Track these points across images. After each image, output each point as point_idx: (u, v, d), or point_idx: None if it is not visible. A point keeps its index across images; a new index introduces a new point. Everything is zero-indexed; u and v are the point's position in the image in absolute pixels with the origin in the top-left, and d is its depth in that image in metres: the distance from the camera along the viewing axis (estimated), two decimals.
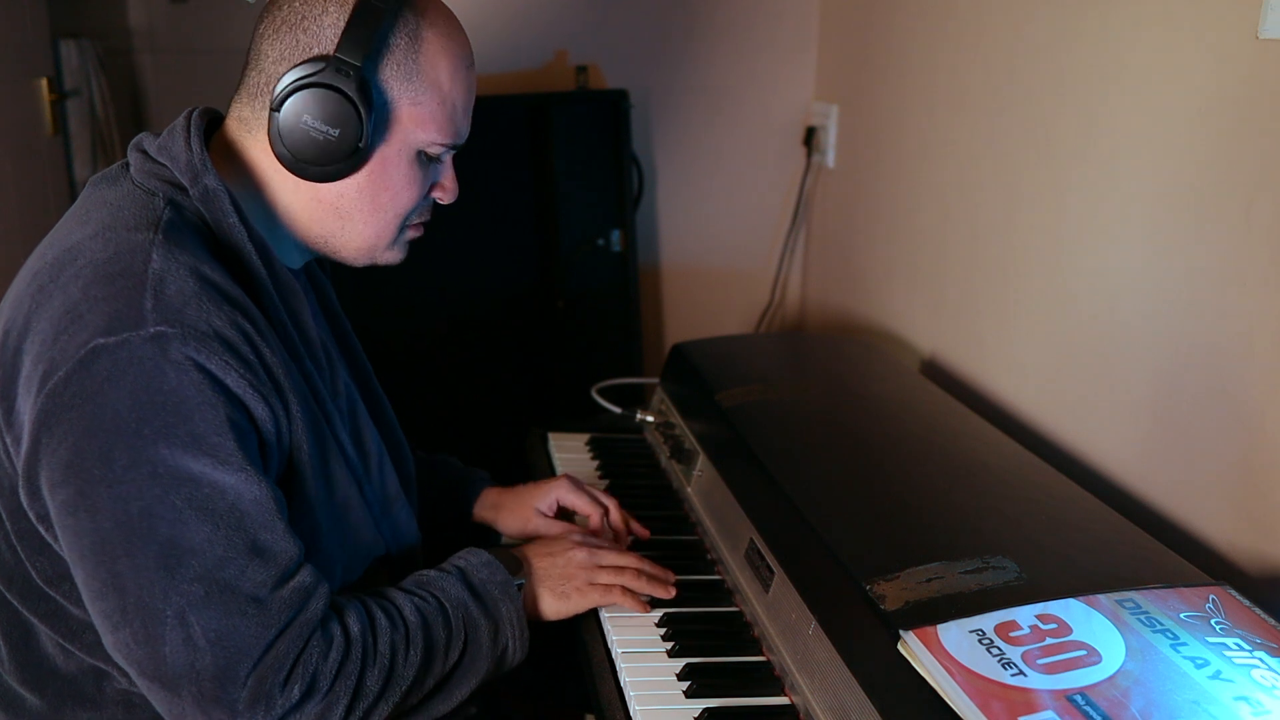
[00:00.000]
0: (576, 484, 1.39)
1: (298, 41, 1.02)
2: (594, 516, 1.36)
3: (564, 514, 1.39)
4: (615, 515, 1.37)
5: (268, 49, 1.03)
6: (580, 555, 1.20)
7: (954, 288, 1.80)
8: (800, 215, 2.40)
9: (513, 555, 1.18)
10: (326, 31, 1.01)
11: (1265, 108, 1.14)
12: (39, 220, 2.68)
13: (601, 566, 1.21)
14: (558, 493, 1.37)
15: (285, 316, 1.04)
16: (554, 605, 1.17)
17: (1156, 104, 1.31)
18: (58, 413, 0.90)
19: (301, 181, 1.05)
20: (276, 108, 1.01)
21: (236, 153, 1.07)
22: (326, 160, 1.02)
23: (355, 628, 0.99)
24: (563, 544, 1.22)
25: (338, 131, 1.01)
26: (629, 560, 1.23)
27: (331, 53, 1.01)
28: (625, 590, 1.20)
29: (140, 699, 1.03)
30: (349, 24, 1.01)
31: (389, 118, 1.04)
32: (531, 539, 1.29)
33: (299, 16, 1.02)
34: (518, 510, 1.38)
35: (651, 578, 1.23)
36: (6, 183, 2.55)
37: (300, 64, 1.00)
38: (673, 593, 1.23)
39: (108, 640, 0.93)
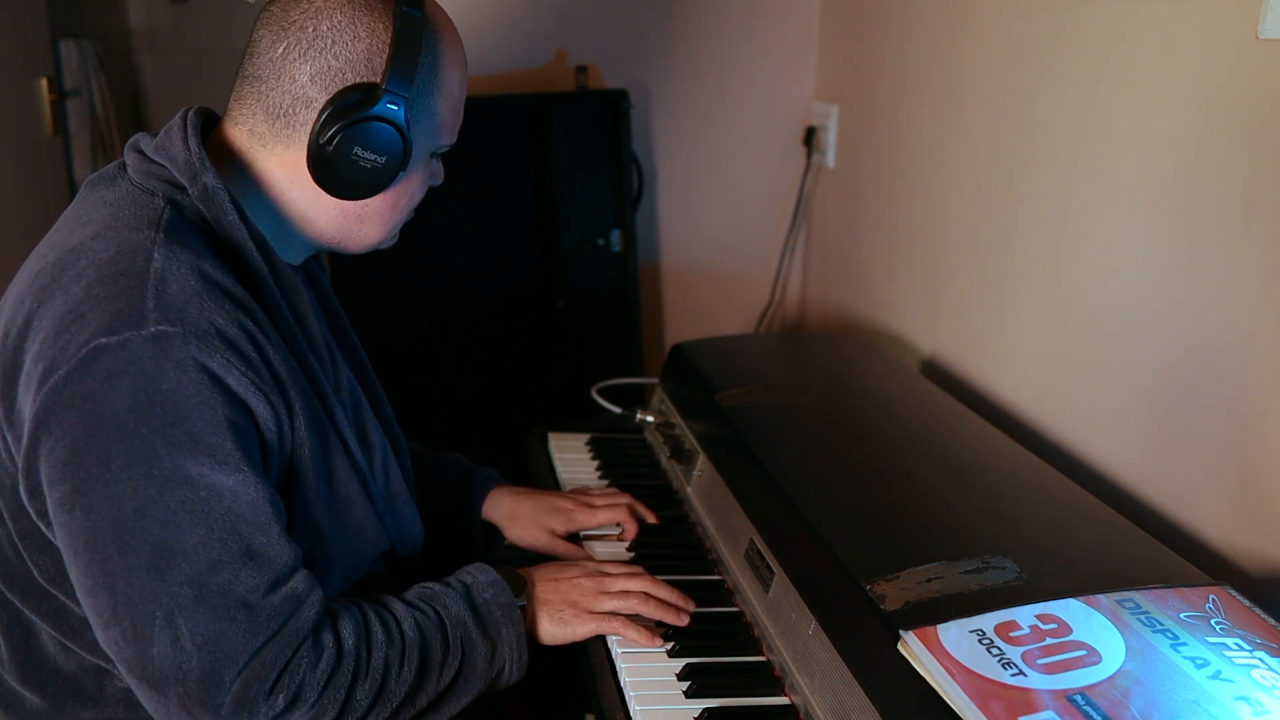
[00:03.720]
0: (590, 505, 1.38)
1: (329, 66, 1.02)
2: (624, 533, 1.37)
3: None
4: (631, 528, 1.38)
5: (293, 70, 1.02)
6: (586, 583, 1.18)
7: (954, 288, 1.80)
8: (800, 215, 2.40)
9: (518, 575, 1.16)
10: (360, 57, 1.02)
11: (1265, 108, 1.14)
12: (39, 220, 2.68)
13: (606, 593, 1.17)
14: (590, 520, 1.37)
15: (287, 313, 1.05)
16: (550, 630, 1.14)
17: (1156, 104, 1.31)
18: (57, 411, 0.91)
19: (327, 195, 1.06)
20: (327, 140, 1.01)
21: (243, 160, 1.07)
22: (371, 184, 1.05)
23: (350, 640, 0.98)
24: (571, 570, 1.20)
25: (384, 159, 1.03)
26: (636, 585, 1.19)
27: (378, 81, 1.02)
28: (626, 620, 1.16)
29: None
30: (393, 53, 1.01)
31: (424, 136, 1.07)
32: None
33: (328, 40, 1.02)
34: (530, 527, 1.36)
35: (661, 603, 1.18)
36: (6, 183, 2.55)
37: (344, 92, 1.01)
38: (685, 620, 1.18)
39: (100, 637, 0.94)
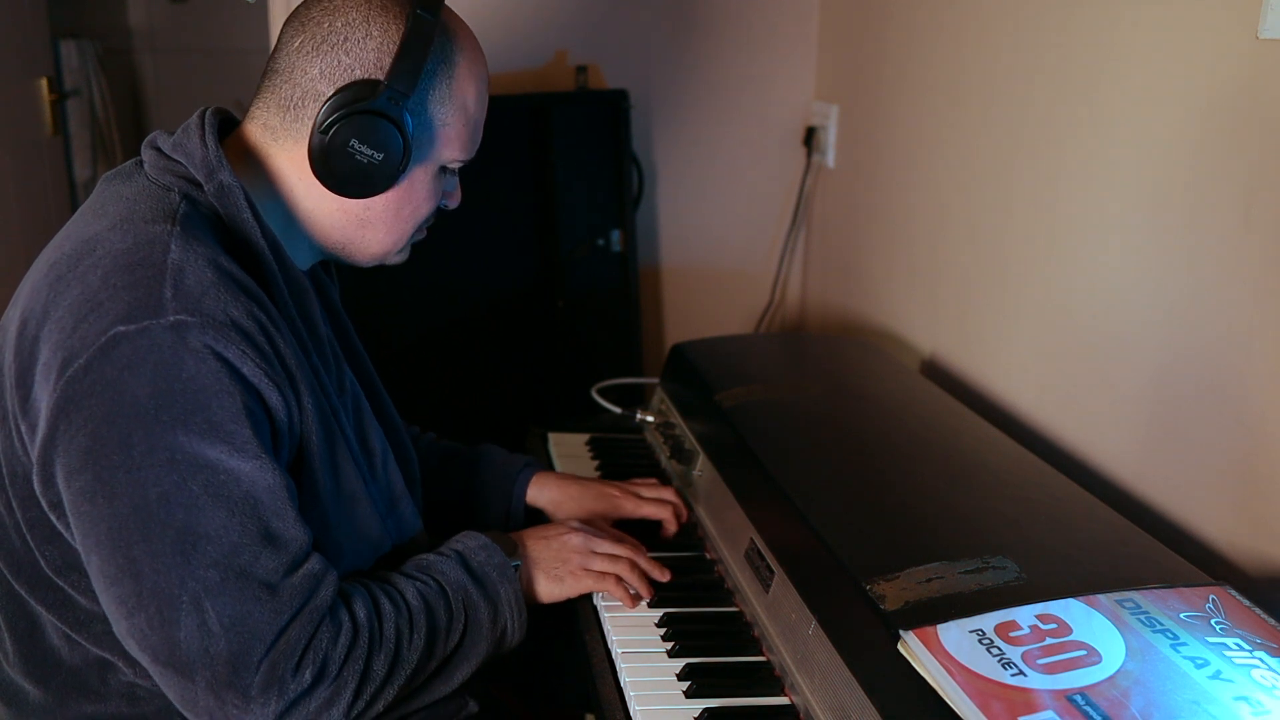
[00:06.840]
0: (637, 495, 1.40)
1: (339, 62, 1.03)
2: (665, 529, 1.40)
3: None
4: (672, 526, 1.40)
5: (305, 65, 1.04)
6: (576, 540, 1.22)
7: (953, 288, 1.80)
8: (800, 215, 2.40)
9: (509, 538, 1.20)
10: (370, 55, 1.03)
11: (1265, 108, 1.14)
12: (39, 220, 2.68)
13: (596, 553, 1.22)
14: (637, 510, 1.39)
15: (295, 312, 1.06)
16: (548, 587, 1.19)
17: (1156, 104, 1.31)
18: (77, 399, 0.92)
19: (330, 193, 1.07)
20: (324, 129, 1.02)
21: (257, 156, 1.08)
22: (367, 181, 1.05)
23: (362, 614, 1.01)
24: (559, 529, 1.24)
25: (382, 156, 1.04)
26: (624, 550, 1.24)
27: (383, 79, 1.03)
28: (619, 580, 1.21)
29: (144, 692, 1.04)
30: (400, 52, 1.02)
31: (426, 140, 1.08)
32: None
33: (340, 37, 1.03)
34: (577, 512, 1.37)
35: (643, 573, 1.24)
36: (6, 183, 2.55)
37: (347, 86, 1.03)
38: (652, 594, 1.23)
39: (120, 627, 0.94)
